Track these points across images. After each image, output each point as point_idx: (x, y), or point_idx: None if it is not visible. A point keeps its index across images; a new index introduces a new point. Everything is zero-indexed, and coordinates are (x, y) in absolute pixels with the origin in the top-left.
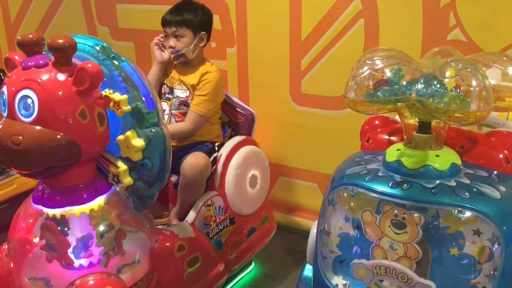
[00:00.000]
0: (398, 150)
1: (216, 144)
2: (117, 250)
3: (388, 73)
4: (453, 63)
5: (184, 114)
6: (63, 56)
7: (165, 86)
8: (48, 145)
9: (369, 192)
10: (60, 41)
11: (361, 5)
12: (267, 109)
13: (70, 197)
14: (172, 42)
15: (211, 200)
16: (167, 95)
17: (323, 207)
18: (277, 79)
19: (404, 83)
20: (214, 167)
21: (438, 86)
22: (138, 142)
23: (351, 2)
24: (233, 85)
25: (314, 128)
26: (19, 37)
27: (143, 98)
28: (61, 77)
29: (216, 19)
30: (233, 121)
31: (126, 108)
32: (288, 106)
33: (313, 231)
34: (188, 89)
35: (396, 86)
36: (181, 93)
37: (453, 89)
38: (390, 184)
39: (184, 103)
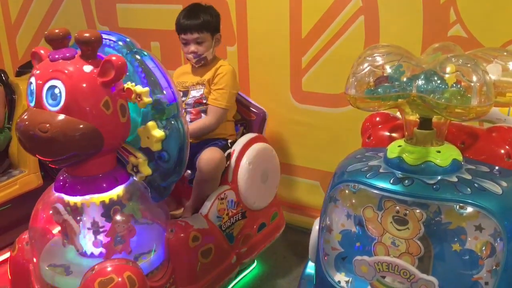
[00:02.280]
0: (399, 146)
1: (229, 141)
2: (122, 247)
3: (388, 70)
4: (453, 58)
5: (200, 112)
6: (89, 49)
7: (180, 92)
8: (74, 133)
9: (371, 189)
10: (87, 34)
11: (361, 2)
12: (268, 107)
13: (91, 186)
14: (193, 47)
15: (224, 194)
16: (182, 99)
17: (325, 204)
18: (278, 77)
19: (405, 79)
20: (228, 162)
21: (438, 82)
22: (158, 133)
23: None
24: None
25: (315, 125)
26: (46, 32)
27: (164, 91)
28: (87, 68)
29: None
30: (246, 119)
31: (148, 100)
32: (289, 104)
33: (315, 228)
34: (203, 86)
35: (396, 83)
36: (196, 92)
37: (454, 85)
38: (391, 181)
39: (199, 102)
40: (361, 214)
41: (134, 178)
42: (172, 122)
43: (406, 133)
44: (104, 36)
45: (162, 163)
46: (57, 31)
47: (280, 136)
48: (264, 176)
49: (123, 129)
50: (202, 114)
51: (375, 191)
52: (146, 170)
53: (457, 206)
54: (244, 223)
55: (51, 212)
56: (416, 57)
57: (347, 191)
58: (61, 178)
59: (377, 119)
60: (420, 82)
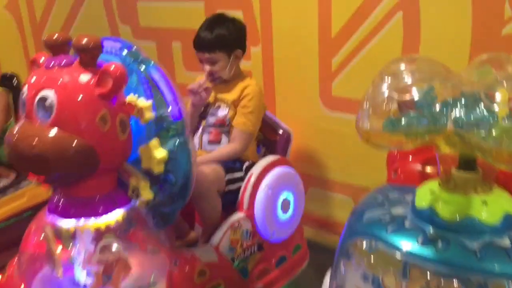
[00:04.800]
0: (431, 192)
1: (246, 164)
2: (111, 282)
3: (416, 94)
4: (505, 81)
5: (221, 133)
6: (88, 56)
7: None
8: (64, 151)
9: (392, 249)
10: (85, 40)
11: None
12: (295, 114)
13: (86, 208)
14: (206, 67)
15: (238, 223)
16: (202, 114)
17: (336, 259)
18: (305, 80)
19: (438, 107)
20: (236, 186)
21: (484, 112)
22: (160, 153)
23: None
24: (259, 86)
25: (347, 135)
26: (45, 37)
27: (169, 106)
28: (84, 78)
29: (239, 14)
30: (268, 139)
31: (149, 115)
32: (318, 111)
33: (326, 282)
34: (228, 106)
35: (426, 111)
36: (218, 111)
37: (506, 118)
38: (419, 240)
39: (221, 122)
40: (380, 278)
41: (135, 202)
42: (178, 141)
43: (442, 172)
44: (108, 43)
45: (167, 187)
46: (56, 35)
47: (308, 145)
48: (286, 205)
49: (123, 147)
50: (223, 136)
51: (398, 253)
52: (148, 195)
53: (510, 283)
54: (261, 256)
55: (43, 235)
56: (456, 75)
57: (363, 247)
58: (55, 197)
59: None
60: (458, 112)
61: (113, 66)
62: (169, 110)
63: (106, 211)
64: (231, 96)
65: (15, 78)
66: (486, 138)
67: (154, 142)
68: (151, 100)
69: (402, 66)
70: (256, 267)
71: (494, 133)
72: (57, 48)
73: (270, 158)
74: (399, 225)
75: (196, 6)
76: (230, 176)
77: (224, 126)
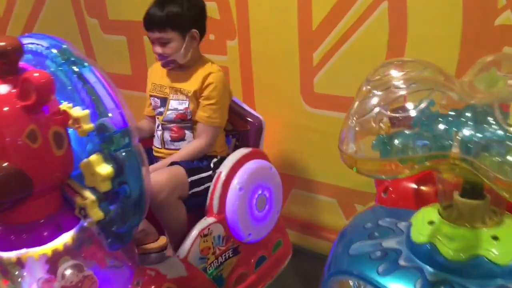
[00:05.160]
0: (430, 223)
1: (214, 160)
2: None
3: (411, 109)
4: None
5: (184, 129)
6: (6, 62)
7: (155, 98)
8: None
9: None
10: (1, 43)
11: None
12: (275, 111)
13: (28, 236)
14: (157, 49)
15: (208, 229)
16: (158, 109)
17: None
18: (285, 76)
19: (440, 126)
20: (202, 187)
21: (498, 131)
22: (105, 169)
23: None
24: (236, 83)
25: (331, 134)
26: None
27: (110, 114)
28: (3, 89)
29: (213, 7)
30: (238, 129)
31: (88, 126)
32: (300, 108)
33: None
34: (187, 98)
35: (425, 132)
36: (177, 104)
37: None
38: (417, 285)
39: (183, 117)
40: None
41: (83, 223)
42: (124, 154)
43: (441, 195)
44: (32, 40)
45: (119, 204)
46: None
47: (290, 145)
48: (262, 201)
49: (61, 163)
50: (186, 132)
51: None
52: (96, 214)
53: None
54: (237, 260)
55: None
56: (458, 82)
57: (350, 285)
58: None
59: None
60: (466, 132)
61: (36, 73)
62: (110, 117)
63: (52, 237)
64: (190, 86)
65: None
66: (501, 165)
67: (95, 157)
68: (88, 109)
69: (393, 72)
70: (233, 273)
71: (511, 159)
72: None
73: (240, 152)
74: (392, 263)
75: None
76: (194, 177)
77: (186, 121)
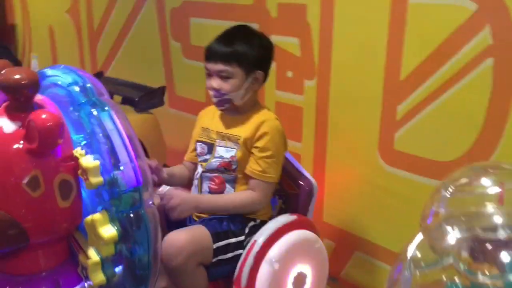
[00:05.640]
0: None
1: (251, 224)
2: None
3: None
4: None
5: (226, 182)
6: (18, 97)
7: (202, 143)
8: None
9: None
10: (14, 76)
11: (492, 38)
12: (347, 163)
13: None
14: (215, 82)
15: None
16: (203, 156)
17: None
18: (364, 126)
19: None
20: (231, 255)
21: None
22: (109, 231)
23: (476, 33)
24: (309, 126)
25: (408, 198)
26: None
27: (122, 167)
28: (9, 127)
29: (295, 43)
30: (286, 191)
31: (96, 180)
32: (375, 164)
33: None
34: (236, 145)
35: None
36: (224, 151)
37: None
38: None
39: (227, 166)
40: None
41: (85, 283)
42: (132, 216)
43: None
44: (57, 73)
45: (125, 268)
46: None
47: (358, 201)
48: (300, 280)
49: (65, 216)
50: (227, 186)
51: None
52: (97, 278)
53: None
54: None
55: None
56: None
57: None
58: None
59: None
60: None
61: (44, 114)
62: (122, 173)
63: None
64: (241, 132)
65: None
66: None
67: (100, 215)
68: (101, 159)
69: (487, 186)
70: None
71: None
72: None
73: (283, 219)
74: None
75: None
76: (220, 243)
77: (230, 171)
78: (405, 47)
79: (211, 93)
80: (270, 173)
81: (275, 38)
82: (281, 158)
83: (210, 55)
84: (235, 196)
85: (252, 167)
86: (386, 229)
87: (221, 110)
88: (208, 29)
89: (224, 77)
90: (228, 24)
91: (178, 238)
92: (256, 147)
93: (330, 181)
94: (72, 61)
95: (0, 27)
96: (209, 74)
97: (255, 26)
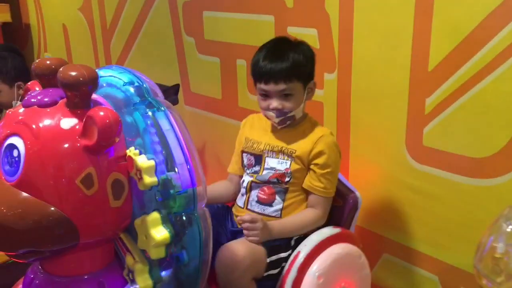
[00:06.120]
0: None
1: (296, 237)
2: None
3: None
4: None
5: (276, 193)
6: (76, 94)
7: (248, 155)
8: (29, 221)
9: None
10: (74, 73)
11: None
12: (373, 160)
13: None
14: (277, 103)
15: None
16: (253, 168)
17: None
18: (389, 121)
19: None
20: (279, 269)
21: None
22: (161, 233)
23: (511, 19)
24: (330, 122)
25: (440, 197)
26: (35, 63)
27: (177, 169)
28: (66, 123)
29: (313, 34)
30: None
31: (150, 180)
32: (403, 161)
33: None
34: (290, 158)
35: None
36: (276, 163)
37: None
38: None
39: (280, 177)
40: None
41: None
42: (185, 218)
43: None
44: (112, 73)
45: (173, 274)
46: (48, 62)
47: (386, 201)
48: None
49: (116, 216)
50: (277, 197)
51: None
52: (144, 282)
53: None
54: None
55: None
56: None
57: None
58: (33, 271)
59: None
60: None
61: (102, 111)
62: (177, 174)
63: None
64: (297, 146)
65: None
66: None
67: (153, 216)
68: (156, 159)
69: None
70: None
71: None
72: (46, 78)
73: (326, 231)
74: None
75: (265, 20)
76: (273, 257)
77: (282, 183)
78: (433, 35)
79: (271, 113)
80: (330, 189)
81: (292, 30)
82: (338, 172)
83: (269, 76)
84: (302, 217)
85: (314, 184)
86: (416, 230)
87: (283, 127)
88: (221, 23)
89: (287, 95)
90: (242, 16)
91: (238, 248)
92: (316, 164)
93: (354, 179)
94: (87, 59)
95: (16, 28)
96: (266, 95)
97: (270, 18)
